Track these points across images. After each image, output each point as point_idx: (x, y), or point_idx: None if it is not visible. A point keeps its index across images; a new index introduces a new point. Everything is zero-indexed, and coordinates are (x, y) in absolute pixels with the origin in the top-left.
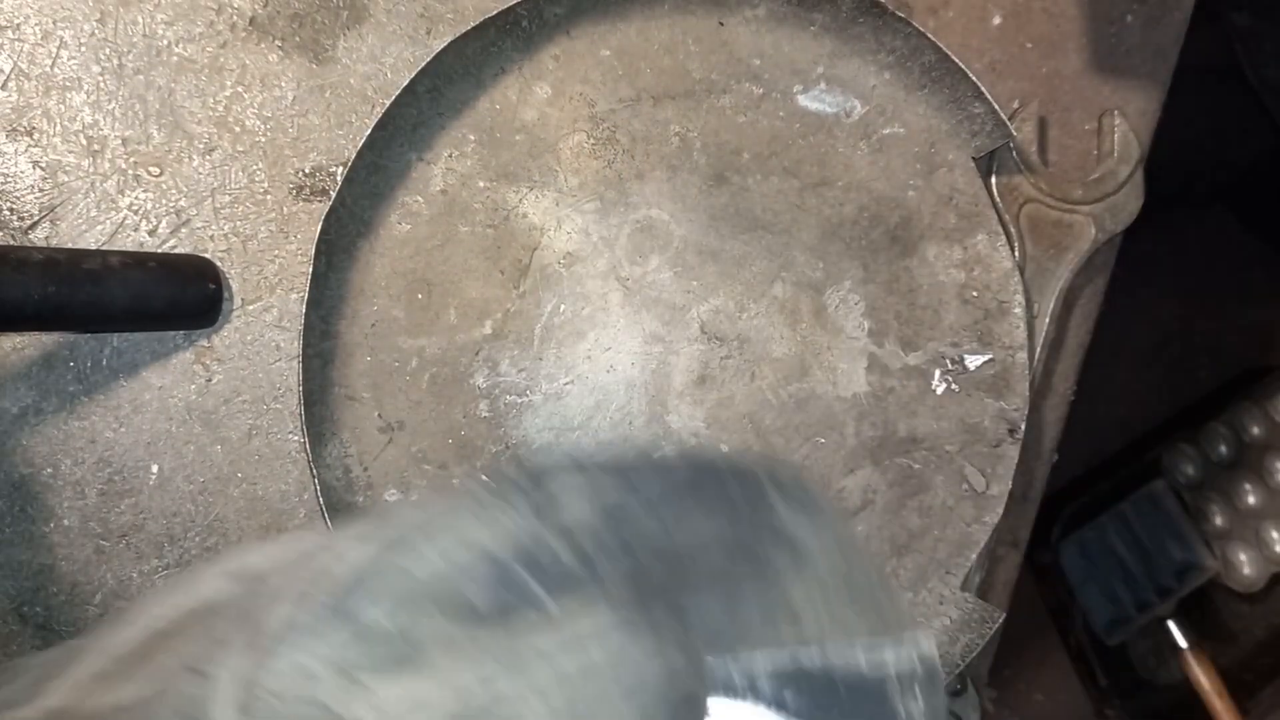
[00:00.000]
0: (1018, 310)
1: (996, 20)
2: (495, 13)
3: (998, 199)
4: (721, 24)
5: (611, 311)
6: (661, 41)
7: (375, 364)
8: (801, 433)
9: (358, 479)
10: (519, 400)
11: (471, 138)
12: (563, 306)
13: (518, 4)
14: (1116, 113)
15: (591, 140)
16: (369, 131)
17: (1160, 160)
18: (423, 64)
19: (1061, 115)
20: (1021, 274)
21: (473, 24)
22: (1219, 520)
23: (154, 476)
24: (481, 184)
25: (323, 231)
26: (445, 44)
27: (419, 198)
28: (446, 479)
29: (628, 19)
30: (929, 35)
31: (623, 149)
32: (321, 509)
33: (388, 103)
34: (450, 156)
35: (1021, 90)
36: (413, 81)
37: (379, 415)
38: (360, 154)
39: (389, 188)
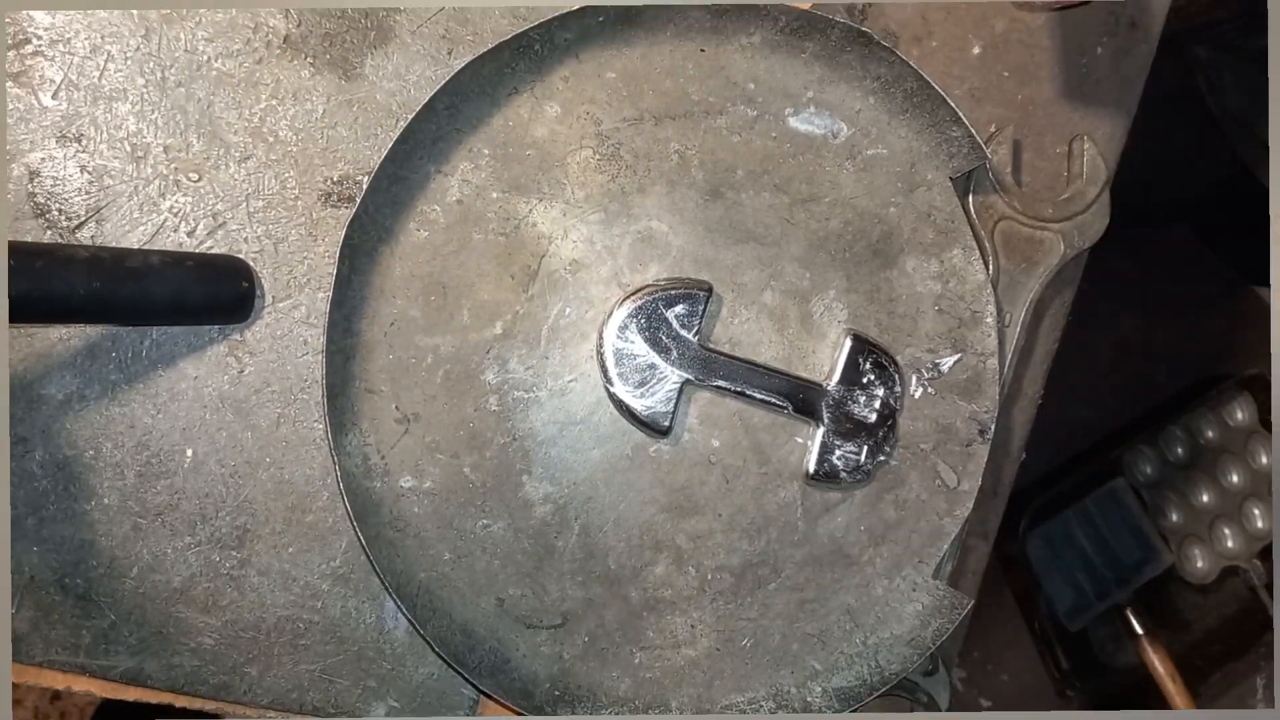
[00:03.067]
0: (989, 320)
1: (976, 50)
2: (510, 36)
3: (974, 216)
4: (702, 50)
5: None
6: (663, 66)
7: (393, 360)
8: (787, 430)
9: (375, 466)
10: (526, 396)
11: (486, 152)
12: (568, 309)
13: (531, 29)
14: (1086, 137)
15: (597, 156)
16: (391, 145)
17: (1126, 182)
18: (442, 83)
19: (1035, 139)
20: (994, 286)
21: (489, 47)
22: (1175, 517)
23: (188, 460)
24: (494, 195)
25: (347, 237)
26: (463, 64)
27: (436, 207)
28: (458, 467)
29: (632, 45)
30: (911, 64)
31: (626, 165)
32: (341, 493)
33: (409, 118)
34: (466, 169)
35: (998, 115)
36: (432, 99)
37: (396, 407)
38: (382, 166)
39: (409, 197)
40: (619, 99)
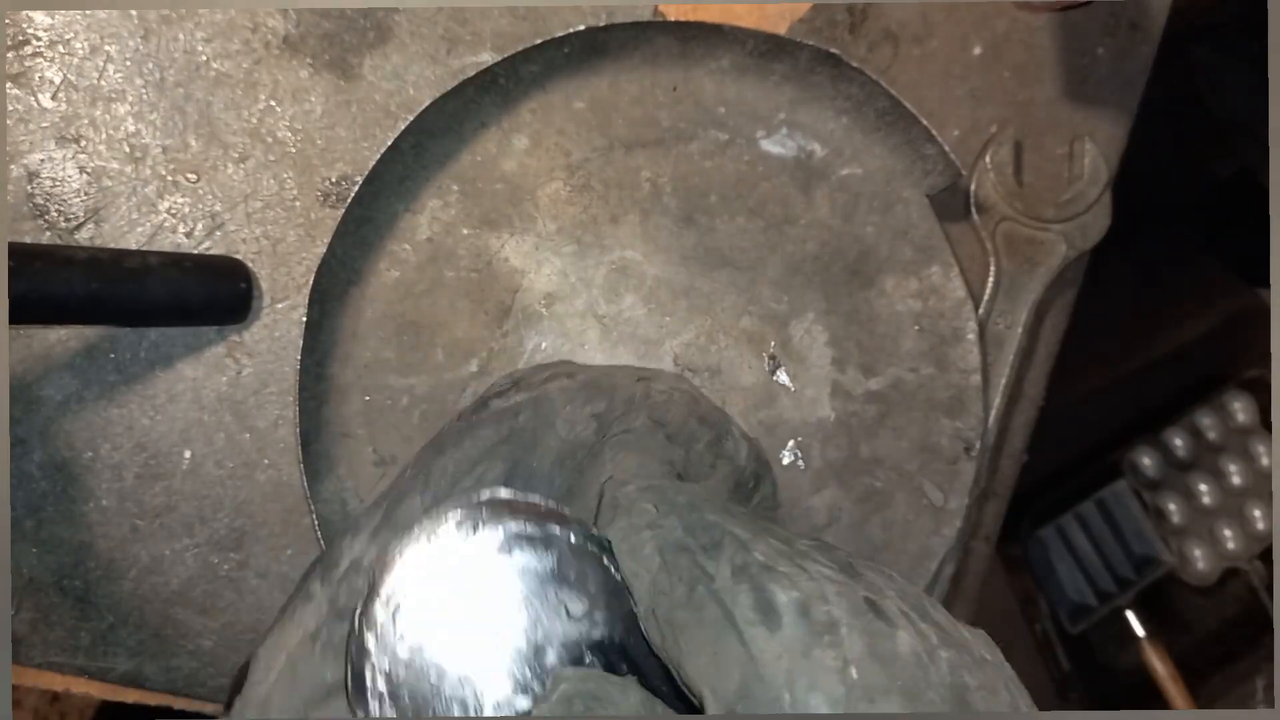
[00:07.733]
0: (971, 336)
1: (977, 50)
2: (473, 73)
3: (975, 218)
4: (674, 89)
5: (590, 347)
6: (632, 94)
7: (369, 403)
8: (770, 456)
9: (354, 511)
10: None
11: (455, 188)
12: (544, 344)
13: (494, 64)
14: (1087, 138)
15: (568, 187)
16: (357, 188)
17: (1127, 183)
18: (407, 122)
19: (1036, 140)
20: (997, 287)
21: (452, 85)
22: (1176, 518)
23: (186, 461)
24: (465, 231)
25: (315, 282)
26: (428, 103)
27: (406, 246)
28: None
29: (600, 74)
30: (882, 83)
31: (597, 195)
32: (319, 541)
33: (374, 160)
34: (435, 206)
35: (999, 116)
36: (398, 139)
37: (373, 450)
38: (349, 209)
39: (378, 238)
40: (588, 129)
